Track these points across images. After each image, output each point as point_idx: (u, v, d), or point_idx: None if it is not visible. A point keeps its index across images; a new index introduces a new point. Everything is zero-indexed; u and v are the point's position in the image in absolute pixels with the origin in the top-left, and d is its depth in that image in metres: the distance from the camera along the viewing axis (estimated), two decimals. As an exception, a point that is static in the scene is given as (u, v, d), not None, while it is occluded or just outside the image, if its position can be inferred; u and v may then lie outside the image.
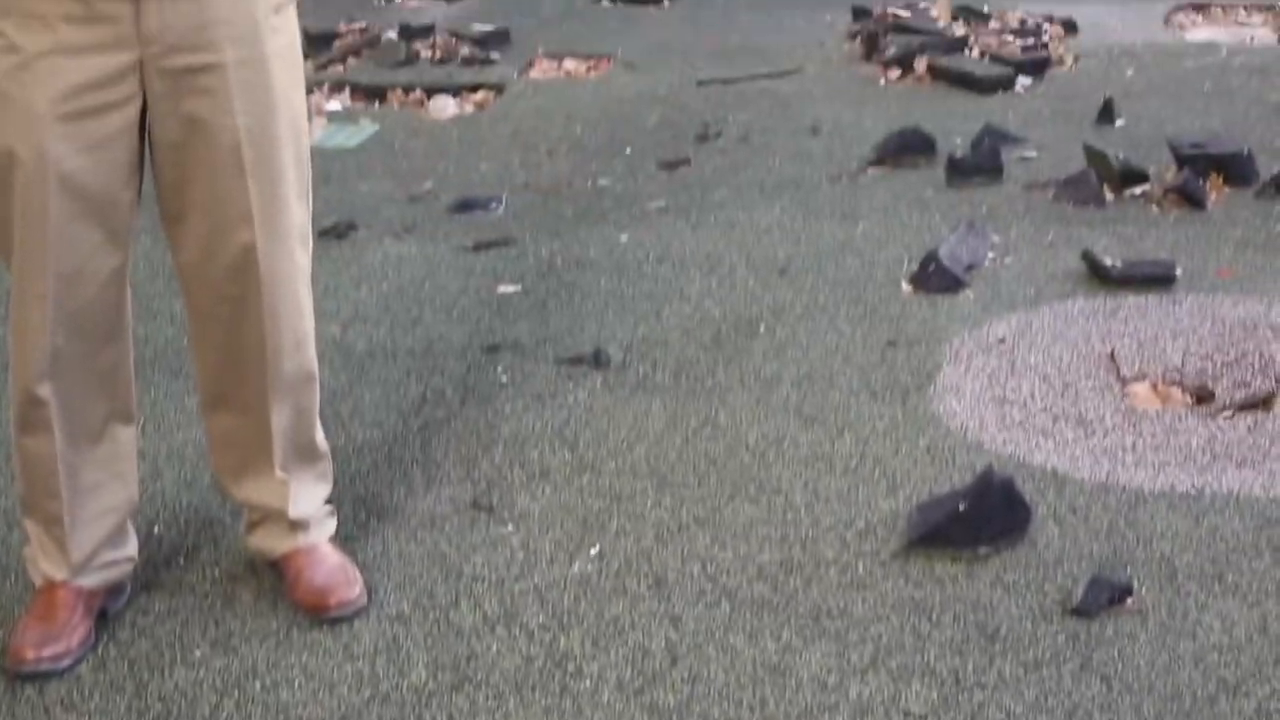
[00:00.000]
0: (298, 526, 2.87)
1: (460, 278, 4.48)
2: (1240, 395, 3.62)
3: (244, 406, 2.78)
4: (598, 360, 3.85)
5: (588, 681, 2.57)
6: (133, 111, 2.58)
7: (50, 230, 2.57)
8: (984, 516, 2.97)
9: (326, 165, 5.56)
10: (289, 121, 2.68)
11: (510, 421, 3.54)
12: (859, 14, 7.53)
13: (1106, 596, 2.76)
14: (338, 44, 7.36)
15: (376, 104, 6.58)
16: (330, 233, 4.86)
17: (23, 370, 2.65)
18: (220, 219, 2.64)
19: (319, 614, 2.80)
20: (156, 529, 3.11)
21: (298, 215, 2.72)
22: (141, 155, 2.64)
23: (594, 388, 3.71)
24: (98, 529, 2.77)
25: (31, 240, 2.58)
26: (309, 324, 2.78)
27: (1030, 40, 6.96)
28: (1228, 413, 3.55)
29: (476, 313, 4.20)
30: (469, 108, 6.49)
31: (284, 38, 2.66)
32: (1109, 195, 5.03)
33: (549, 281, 4.42)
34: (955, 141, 5.56)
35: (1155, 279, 4.30)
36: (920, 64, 6.57)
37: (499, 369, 3.83)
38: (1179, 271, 4.34)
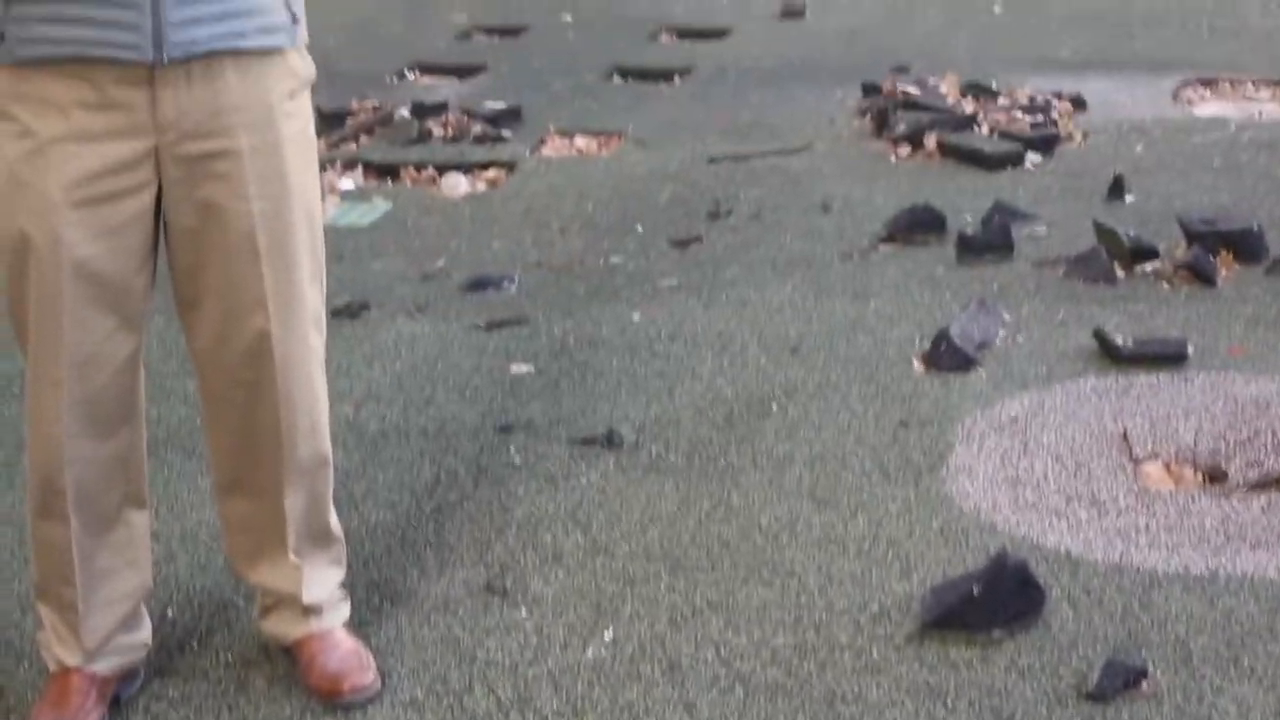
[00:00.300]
0: (311, 611, 2.87)
1: (473, 357, 4.49)
2: (1253, 475, 3.62)
3: (258, 491, 2.79)
4: (610, 441, 3.86)
5: (602, 768, 2.56)
6: (147, 197, 2.60)
7: (65, 316, 2.58)
8: (998, 600, 2.97)
9: (340, 244, 5.59)
10: (303, 206, 2.70)
11: (523, 503, 3.54)
12: (869, 90, 7.57)
13: (1121, 680, 2.75)
14: (351, 122, 7.41)
15: (389, 182, 6.61)
16: (343, 312, 4.88)
17: (38, 456, 2.67)
18: (235, 305, 2.66)
19: (333, 700, 2.80)
20: (170, 612, 3.11)
21: (312, 299, 2.74)
22: (156, 240, 2.66)
23: (607, 469, 3.71)
24: (111, 615, 2.78)
25: (46, 326, 2.60)
26: (323, 408, 2.79)
27: (1039, 117, 6.99)
28: (1241, 493, 3.54)
29: (489, 392, 4.22)
30: (481, 185, 6.52)
31: (298, 123, 2.69)
32: (1120, 272, 5.04)
33: (562, 361, 4.43)
34: (966, 218, 5.58)
35: (1167, 357, 4.30)
36: (930, 140, 6.60)
37: (512, 449, 3.84)
38: (1190, 349, 4.35)
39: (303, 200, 2.70)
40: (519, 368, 4.40)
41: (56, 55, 2.49)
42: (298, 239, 2.70)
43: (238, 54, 2.55)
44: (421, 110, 7.53)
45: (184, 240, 2.65)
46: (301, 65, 2.68)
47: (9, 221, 2.58)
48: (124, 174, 2.56)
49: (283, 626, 2.89)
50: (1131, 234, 5.17)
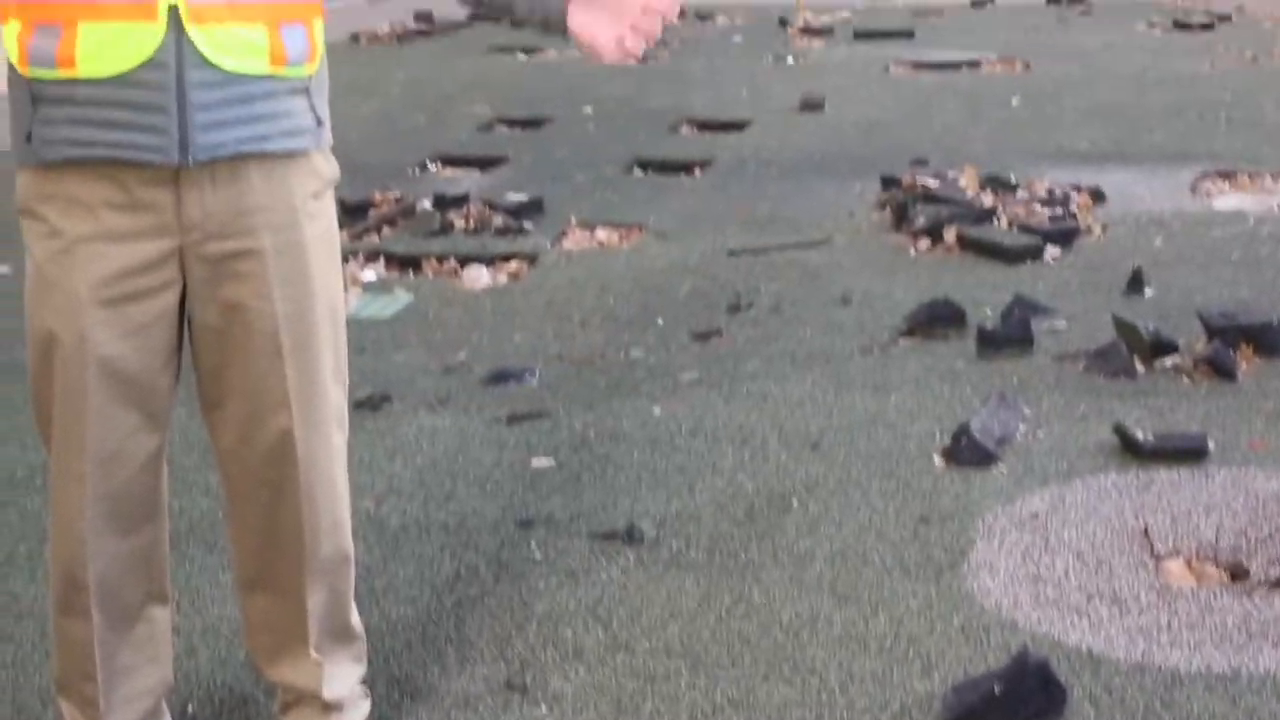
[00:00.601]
0: (332, 708, 2.87)
1: (494, 451, 4.50)
2: (1275, 572, 3.61)
3: (280, 588, 2.80)
4: (631, 536, 3.86)
5: None
6: (172, 297, 2.62)
7: (89, 413, 2.60)
8: (1019, 698, 2.95)
9: (361, 336, 5.62)
10: (326, 305, 2.72)
11: (544, 599, 3.54)
12: (888, 183, 7.61)
13: (1145, 782, 2.74)
14: (373, 214, 7.46)
15: (411, 274, 6.65)
16: (365, 404, 4.90)
17: (62, 552, 2.68)
18: (258, 404, 2.68)
19: (353, 796, 2.80)
20: (191, 708, 3.11)
21: (335, 397, 2.76)
22: (180, 339, 2.68)
23: (627, 564, 3.71)
24: (133, 711, 2.78)
25: (70, 423, 2.62)
26: (345, 506, 2.80)
27: (1058, 209, 7.02)
28: (1263, 590, 3.53)
29: (510, 487, 4.22)
30: (503, 278, 6.56)
31: (322, 223, 2.71)
32: (1139, 367, 5.04)
33: (582, 455, 4.44)
34: (985, 312, 5.60)
35: (1188, 452, 4.30)
36: (950, 234, 6.63)
37: (532, 544, 3.84)
38: (1211, 445, 4.35)
39: (326, 299, 2.72)
40: (540, 462, 4.41)
41: (84, 157, 2.52)
42: (321, 338, 2.71)
43: (263, 156, 2.58)
44: (443, 202, 7.58)
45: (208, 339, 2.67)
46: (326, 166, 2.71)
47: (37, 319, 2.60)
48: (149, 273, 2.59)
49: (303, 723, 2.89)
50: (1151, 328, 5.18)
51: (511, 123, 9.87)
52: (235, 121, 2.52)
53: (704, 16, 14.29)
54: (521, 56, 12.42)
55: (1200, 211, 7.28)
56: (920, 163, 8.12)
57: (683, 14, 14.36)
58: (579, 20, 2.60)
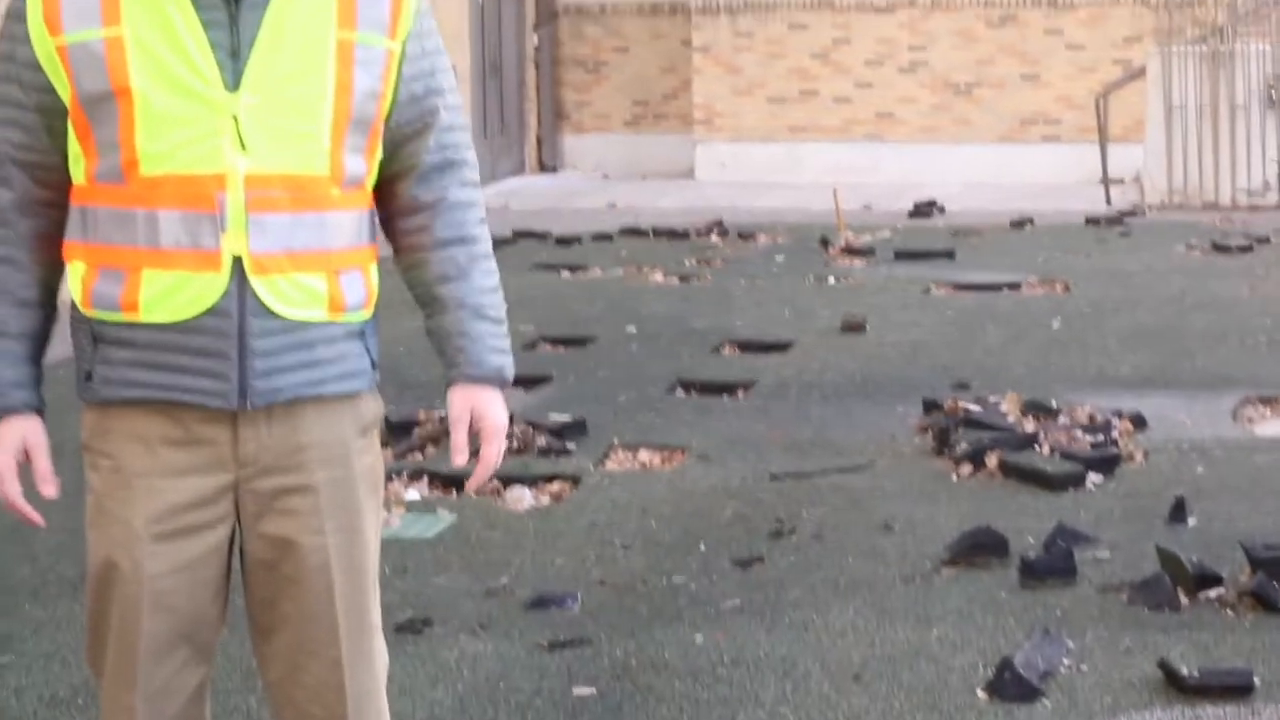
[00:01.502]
0: None
1: (535, 679, 4.50)
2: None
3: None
4: (672, 770, 3.84)
5: None
6: (225, 531, 2.68)
7: (141, 648, 2.64)
8: None
9: (403, 557, 5.64)
10: (372, 537, 2.79)
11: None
12: (930, 407, 7.65)
13: None
14: (417, 432, 7.52)
15: (454, 494, 6.68)
16: (406, 628, 4.91)
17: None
18: (308, 636, 2.71)
19: None
20: None
21: (377, 624, 2.80)
22: (229, 571, 2.72)
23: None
24: None
25: (123, 656, 2.66)
26: (390, 734, 2.83)
27: (1100, 436, 7.04)
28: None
29: (551, 716, 4.22)
30: (545, 499, 6.59)
31: (369, 458, 2.78)
32: (1183, 599, 5.03)
33: (624, 684, 4.43)
34: (1028, 541, 5.60)
35: (1233, 688, 4.27)
36: (992, 460, 6.65)
37: (573, 777, 3.83)
38: (1257, 680, 4.32)
39: (372, 532, 2.79)
40: (581, 690, 4.40)
41: (143, 398, 2.59)
42: (368, 570, 2.78)
43: (319, 398, 2.64)
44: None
45: (259, 573, 2.72)
46: (375, 405, 2.79)
47: (97, 549, 2.68)
48: (205, 508, 2.65)
49: None
50: (1195, 560, 5.17)
51: (555, 341, 9.98)
52: (293, 367, 2.59)
53: (746, 236, 14.48)
54: (565, 274, 12.59)
55: (1242, 438, 7.29)
56: (962, 386, 8.17)
57: (724, 233, 14.61)
58: (457, 404, 2.81)
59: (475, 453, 2.83)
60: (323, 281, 2.62)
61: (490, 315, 2.83)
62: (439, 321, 2.82)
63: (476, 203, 2.84)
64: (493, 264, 2.87)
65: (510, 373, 2.86)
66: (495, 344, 2.82)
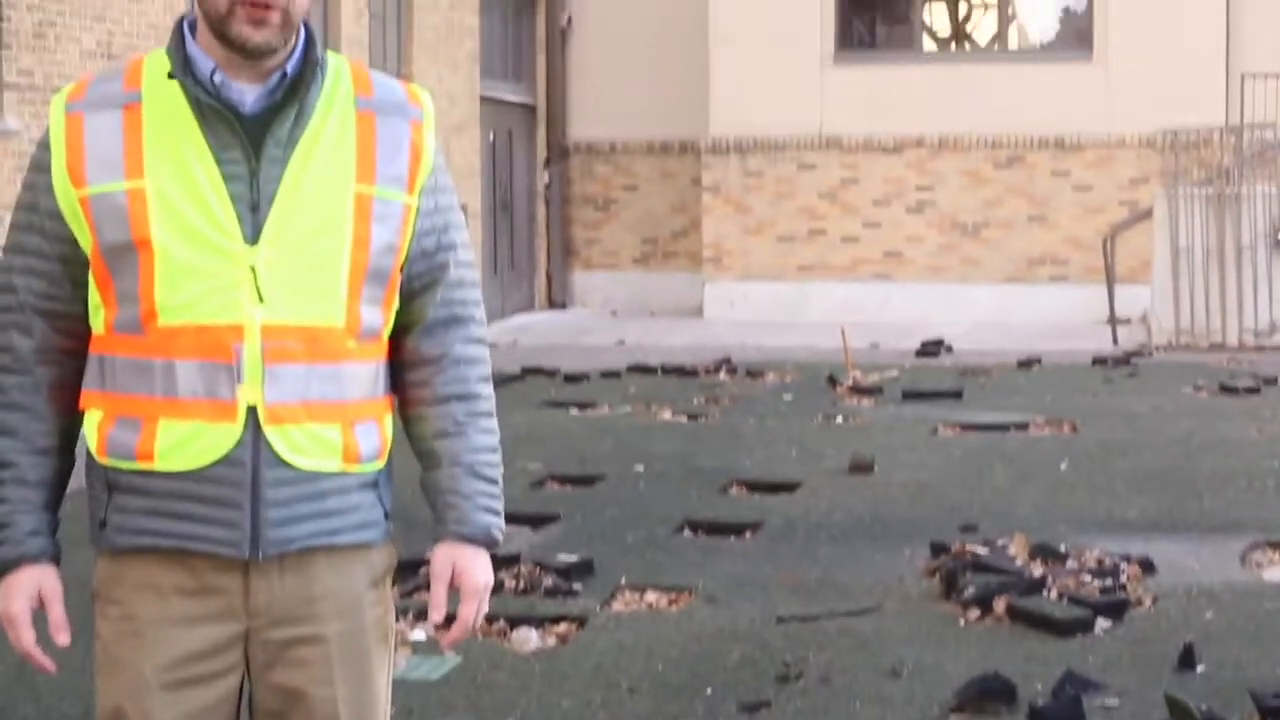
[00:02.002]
0: None
1: (541, 825, 4.47)
2: None
3: None
4: None
5: None
6: (234, 680, 2.68)
7: (149, 796, 2.64)
8: None
9: (409, 698, 5.62)
10: (381, 687, 2.79)
11: None
12: (937, 550, 7.64)
13: None
14: (424, 571, 7.50)
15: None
16: (412, 773, 4.88)
17: None
18: (317, 789, 2.71)
19: None
20: None
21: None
22: (237, 718, 2.73)
23: None
24: None
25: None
26: None
27: (1108, 581, 7.03)
28: None
29: None
30: (551, 640, 6.57)
31: (381, 609, 2.80)
32: (1193, 748, 5.00)
33: (629, 832, 4.40)
34: (1036, 687, 5.57)
35: (1245, 841, 4.24)
36: (1000, 604, 6.63)
37: None
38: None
39: (381, 681, 2.79)
40: (587, 837, 4.37)
41: (156, 546, 2.61)
42: (376, 718, 2.78)
43: (331, 549, 2.66)
44: (493, 562, 7.63)
45: (267, 723, 2.72)
46: (388, 555, 2.81)
47: (106, 698, 2.68)
48: (215, 658, 2.65)
49: None
50: (1204, 708, 5.15)
51: (563, 479, 9.99)
52: (306, 517, 2.61)
53: (754, 374, 14.54)
54: (573, 411, 12.62)
55: (1251, 583, 7.27)
56: (969, 528, 8.16)
57: (733, 371, 14.66)
58: (440, 559, 2.84)
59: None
60: (337, 432, 2.64)
61: (484, 474, 2.84)
62: (433, 476, 2.84)
63: (480, 359, 2.86)
64: (493, 422, 2.89)
65: (499, 534, 2.87)
66: (486, 503, 2.84)
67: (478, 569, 2.83)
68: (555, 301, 21.35)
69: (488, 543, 2.84)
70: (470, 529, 2.82)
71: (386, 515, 2.76)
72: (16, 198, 2.75)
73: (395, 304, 2.74)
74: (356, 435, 2.67)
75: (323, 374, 2.62)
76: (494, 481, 2.86)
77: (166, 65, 2.65)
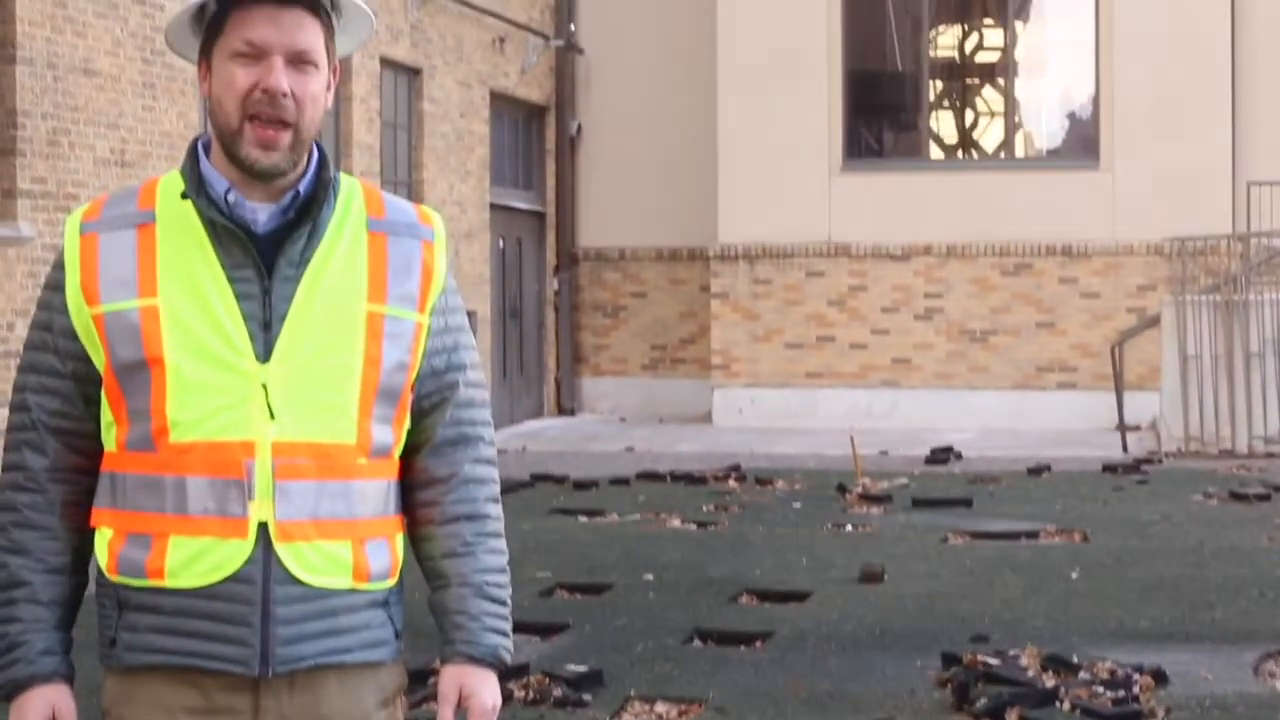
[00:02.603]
0: None
1: None
2: None
3: None
4: None
5: None
6: (243, 799, 2.66)
7: None
8: None
9: (418, 813, 5.57)
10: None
11: None
12: (949, 660, 7.59)
13: None
14: (433, 681, 7.47)
15: (469, 746, 6.62)
16: None
17: None
18: None
19: None
20: None
21: None
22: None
23: None
24: None
25: None
26: None
27: (1121, 692, 6.98)
28: None
29: None
30: (561, 752, 6.53)
31: (387, 730, 2.78)
32: None
33: None
34: (1050, 802, 5.52)
35: None
36: (1012, 716, 6.59)
37: None
38: None
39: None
40: None
41: (166, 664, 2.60)
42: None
43: (341, 667, 2.65)
44: (502, 674, 7.59)
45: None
46: (398, 674, 2.80)
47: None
48: (223, 780, 2.64)
49: None
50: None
51: (572, 588, 9.95)
52: (316, 635, 2.61)
53: (763, 481, 14.51)
54: (582, 519, 12.60)
55: (1265, 694, 7.21)
56: (981, 638, 8.11)
57: (742, 479, 14.62)
58: (447, 681, 2.84)
59: None
60: (348, 550, 2.64)
61: (492, 595, 2.84)
62: (441, 596, 2.84)
63: (489, 479, 2.86)
64: (501, 543, 2.89)
65: (507, 655, 2.86)
66: (494, 624, 2.83)
67: (485, 690, 2.81)
68: (564, 408, 21.37)
69: (495, 663, 2.83)
70: (478, 650, 2.81)
71: (397, 634, 2.76)
72: (32, 317, 2.77)
73: (406, 422, 2.75)
74: (367, 553, 2.67)
75: (333, 491, 2.62)
76: (503, 603, 2.86)
77: (180, 185, 2.68)
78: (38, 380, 2.71)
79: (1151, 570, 10.11)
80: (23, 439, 2.70)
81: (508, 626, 2.86)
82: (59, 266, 2.70)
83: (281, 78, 2.61)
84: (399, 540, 2.76)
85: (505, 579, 2.87)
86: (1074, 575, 10.02)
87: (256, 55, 2.62)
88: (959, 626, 8.49)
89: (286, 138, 2.62)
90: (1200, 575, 9.94)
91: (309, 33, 2.65)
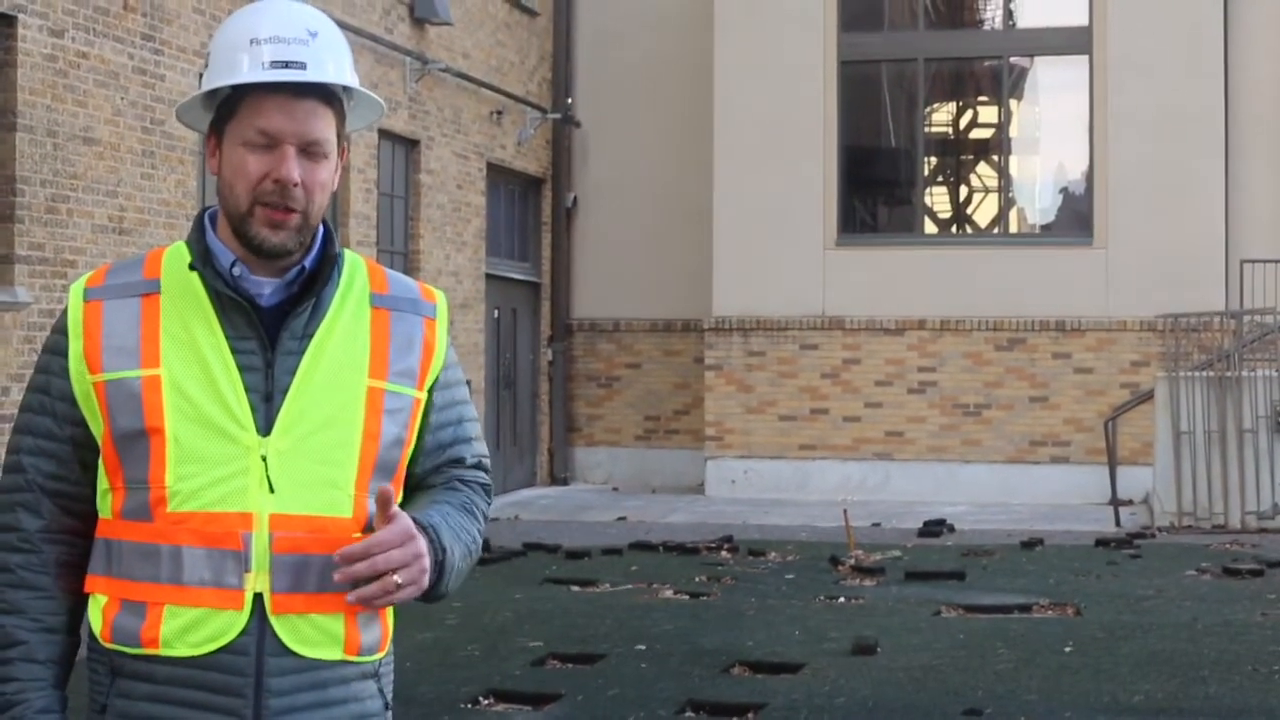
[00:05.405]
0: None
1: None
2: None
3: None
4: None
5: None
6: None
7: None
8: None
9: None
10: None
11: None
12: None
13: None
14: (424, 752, 7.45)
15: (459, 817, 6.60)
16: None
17: None
18: None
19: None
20: None
21: None
22: None
23: None
24: None
25: None
26: None
27: (1113, 768, 6.96)
28: None
29: None
30: (551, 824, 6.50)
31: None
32: None
33: None
34: None
35: None
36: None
37: None
38: None
39: None
40: None
41: (156, 735, 2.61)
42: None
43: (332, 739, 2.66)
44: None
45: None
46: (386, 748, 2.79)
47: None
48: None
49: None
50: None
51: (564, 658, 9.92)
52: (307, 706, 2.61)
53: (756, 552, 14.50)
54: (574, 589, 12.57)
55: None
56: (974, 713, 8.10)
57: (735, 550, 14.60)
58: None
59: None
60: (340, 623, 2.65)
61: (463, 539, 2.74)
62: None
63: (481, 512, 2.86)
64: (479, 529, 2.82)
65: (449, 584, 2.69)
66: (458, 547, 2.71)
67: (419, 541, 2.61)
68: (557, 477, 21.37)
69: (439, 553, 2.66)
70: (437, 538, 2.67)
71: (387, 705, 2.76)
72: (29, 379, 2.78)
73: (400, 496, 2.76)
74: (359, 625, 2.68)
75: (328, 565, 2.63)
76: (467, 554, 2.75)
77: (187, 256, 2.71)
78: (34, 442, 2.72)
79: (1145, 645, 10.10)
80: (18, 500, 2.72)
81: (463, 565, 2.74)
82: (61, 331, 2.71)
83: (294, 168, 2.64)
84: (389, 613, 2.77)
85: (475, 544, 2.79)
86: (1067, 649, 10.00)
87: (269, 144, 2.65)
88: (952, 699, 8.47)
89: (295, 220, 2.66)
90: (1193, 650, 9.92)
91: (322, 122, 2.68)
